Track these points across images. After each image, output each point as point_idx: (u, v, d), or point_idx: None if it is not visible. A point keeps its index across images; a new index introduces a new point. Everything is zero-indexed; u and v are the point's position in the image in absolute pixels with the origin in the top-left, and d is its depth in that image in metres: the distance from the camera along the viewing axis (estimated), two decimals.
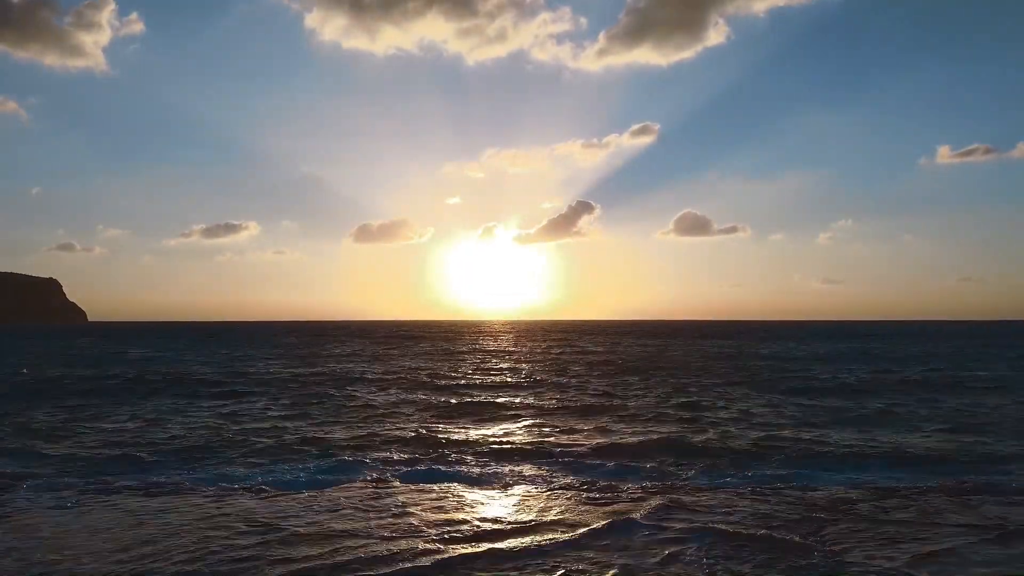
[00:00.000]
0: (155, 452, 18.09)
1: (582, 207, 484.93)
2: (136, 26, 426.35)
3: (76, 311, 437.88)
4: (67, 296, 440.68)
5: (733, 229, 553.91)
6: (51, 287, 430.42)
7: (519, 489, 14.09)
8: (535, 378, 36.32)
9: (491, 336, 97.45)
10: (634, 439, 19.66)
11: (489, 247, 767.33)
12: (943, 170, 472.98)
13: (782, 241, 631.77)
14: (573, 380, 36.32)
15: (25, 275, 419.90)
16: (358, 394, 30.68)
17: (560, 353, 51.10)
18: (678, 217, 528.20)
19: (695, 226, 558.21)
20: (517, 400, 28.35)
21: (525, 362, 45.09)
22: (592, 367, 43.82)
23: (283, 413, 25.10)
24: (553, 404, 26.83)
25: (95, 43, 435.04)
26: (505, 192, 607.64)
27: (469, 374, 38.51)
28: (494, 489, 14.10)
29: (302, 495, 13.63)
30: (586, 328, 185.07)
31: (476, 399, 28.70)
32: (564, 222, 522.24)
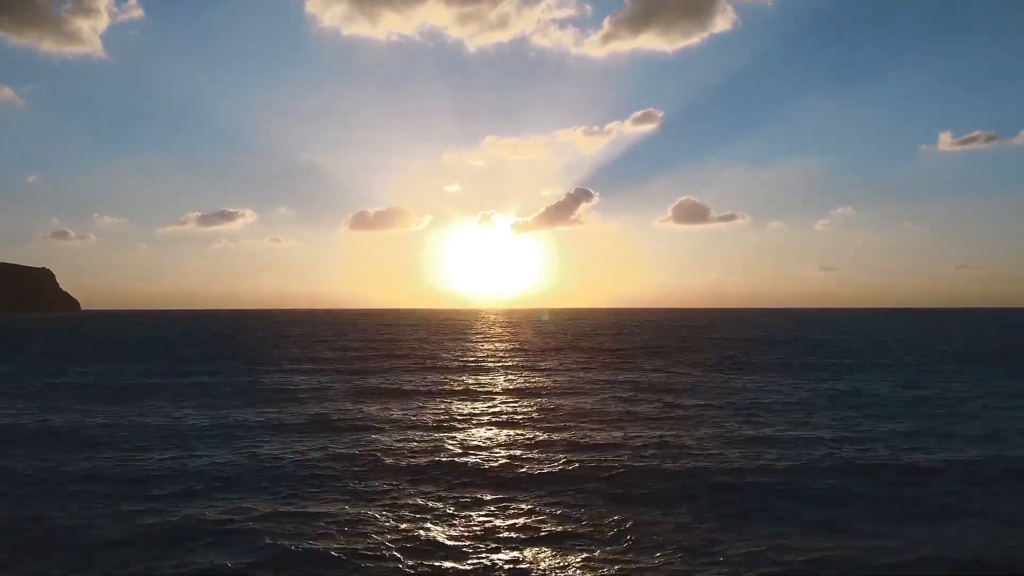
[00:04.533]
0: None
1: (581, 195, 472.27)
2: (135, 12, 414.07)
3: (69, 301, 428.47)
4: (60, 286, 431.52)
5: (732, 217, 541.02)
6: (44, 277, 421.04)
7: None
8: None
9: (493, 353, 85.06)
10: None
11: (486, 235, 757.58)
12: (944, 157, 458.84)
13: (781, 228, 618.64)
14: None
15: (17, 265, 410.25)
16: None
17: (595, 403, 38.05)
18: (676, 205, 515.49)
19: (693, 214, 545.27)
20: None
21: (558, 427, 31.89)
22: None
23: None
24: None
25: (93, 29, 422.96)
26: (505, 180, 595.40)
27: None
28: None
29: None
30: (588, 321, 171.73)
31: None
32: (562, 210, 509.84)
